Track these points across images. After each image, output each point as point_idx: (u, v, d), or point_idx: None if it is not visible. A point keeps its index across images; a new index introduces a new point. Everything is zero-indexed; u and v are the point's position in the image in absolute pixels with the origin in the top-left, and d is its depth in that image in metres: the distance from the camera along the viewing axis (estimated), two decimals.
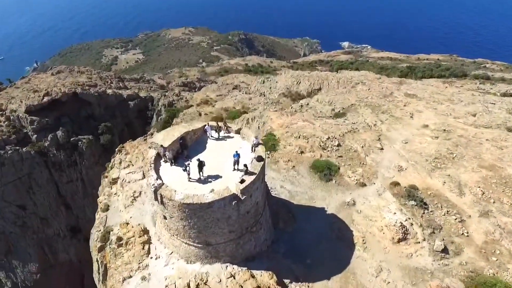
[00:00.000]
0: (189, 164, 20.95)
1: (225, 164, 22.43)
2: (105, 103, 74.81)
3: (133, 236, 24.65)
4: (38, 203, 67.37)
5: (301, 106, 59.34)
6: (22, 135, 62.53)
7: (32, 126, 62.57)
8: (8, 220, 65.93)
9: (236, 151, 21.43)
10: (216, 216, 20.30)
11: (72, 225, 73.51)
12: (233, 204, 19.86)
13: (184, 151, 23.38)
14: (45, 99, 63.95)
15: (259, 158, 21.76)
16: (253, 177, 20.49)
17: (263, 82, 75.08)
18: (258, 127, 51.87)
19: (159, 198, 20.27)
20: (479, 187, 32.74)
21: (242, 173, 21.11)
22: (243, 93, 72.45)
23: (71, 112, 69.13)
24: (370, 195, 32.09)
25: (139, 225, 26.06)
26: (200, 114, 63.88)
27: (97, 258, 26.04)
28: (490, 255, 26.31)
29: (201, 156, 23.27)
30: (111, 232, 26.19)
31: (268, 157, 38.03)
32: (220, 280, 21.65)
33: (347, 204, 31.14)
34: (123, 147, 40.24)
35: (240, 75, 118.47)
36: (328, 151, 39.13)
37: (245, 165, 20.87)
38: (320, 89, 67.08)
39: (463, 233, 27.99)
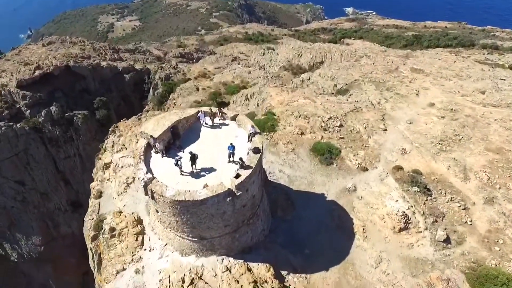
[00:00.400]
0: (180, 158, 19.64)
1: (219, 155, 21.12)
2: (99, 76, 72.27)
3: (126, 227, 23.89)
4: (36, 179, 67.03)
5: (302, 81, 57.05)
6: (15, 111, 60.82)
7: (25, 101, 60.72)
8: (8, 196, 65.98)
9: (231, 143, 20.03)
10: (210, 212, 19.32)
11: (72, 200, 73.70)
12: (227, 200, 18.79)
13: (176, 141, 21.99)
14: (37, 72, 61.55)
15: (256, 150, 20.39)
16: (249, 171, 19.24)
17: (263, 54, 71.93)
18: (257, 104, 50.06)
19: (149, 193, 19.19)
20: (485, 171, 31.60)
21: (238, 166, 19.84)
22: (242, 66, 69.65)
23: (64, 86, 66.87)
24: (371, 180, 31.03)
25: (132, 213, 25.26)
26: (197, 89, 61.75)
27: (91, 247, 25.52)
28: (493, 244, 25.67)
29: (194, 146, 21.98)
30: (104, 221, 25.46)
31: (267, 139, 36.66)
32: (216, 274, 21.11)
33: (348, 190, 30.17)
34: (116, 127, 38.80)
35: (239, 45, 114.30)
36: (329, 132, 37.65)
37: (241, 159, 19.56)
38: (322, 62, 64.26)
39: (466, 222, 27.20)
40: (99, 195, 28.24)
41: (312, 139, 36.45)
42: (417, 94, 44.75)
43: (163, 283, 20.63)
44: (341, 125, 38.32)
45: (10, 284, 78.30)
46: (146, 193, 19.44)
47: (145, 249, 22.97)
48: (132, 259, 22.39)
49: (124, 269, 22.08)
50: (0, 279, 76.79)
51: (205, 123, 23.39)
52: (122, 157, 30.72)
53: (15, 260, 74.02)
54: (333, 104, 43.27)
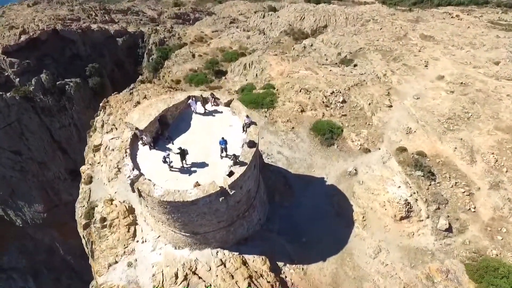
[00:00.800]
0: (168, 154, 18.13)
1: (212, 147, 19.57)
2: (90, 40, 68.42)
3: (117, 217, 23.04)
4: (33, 149, 65.98)
5: (304, 47, 53.78)
6: (3, 79, 58.25)
7: (13, 69, 57.91)
8: (6, 165, 65.51)
9: (223, 138, 18.36)
10: (202, 211, 18.26)
11: (71, 169, 73.34)
12: (220, 200, 17.61)
13: (164, 131, 20.35)
14: (22, 38, 58.06)
15: (251, 144, 18.81)
16: (243, 168, 17.84)
17: (263, 16, 67.33)
18: (256, 74, 47.50)
19: (136, 191, 17.97)
20: (492, 153, 30.24)
21: (231, 161, 18.41)
22: (240, 30, 65.48)
23: (53, 51, 63.50)
24: (374, 163, 29.73)
25: (123, 202, 24.27)
26: (193, 56, 58.56)
27: (83, 235, 24.95)
28: (495, 233, 24.97)
29: (184, 137, 20.41)
30: (95, 209, 24.59)
31: (266, 117, 34.89)
32: (210, 268, 20.57)
33: (349, 173, 28.99)
34: (107, 101, 36.77)
35: (239, 3, 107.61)
36: (331, 108, 35.73)
37: (235, 155, 18.07)
38: (326, 26, 60.22)
39: (469, 208, 26.31)
40: (90, 180, 27.17)
41: (313, 117, 34.66)
42: (426, 65, 42.06)
43: (156, 278, 20.17)
44: (344, 101, 36.29)
45: (19, 247, 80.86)
46: (133, 191, 18.23)
47: (137, 241, 22.31)
48: (124, 252, 21.81)
49: (116, 262, 21.56)
50: (10, 242, 79.07)
51: (196, 111, 21.54)
52: (112, 138, 29.19)
53: (20, 225, 75.50)
54: (336, 76, 40.82)
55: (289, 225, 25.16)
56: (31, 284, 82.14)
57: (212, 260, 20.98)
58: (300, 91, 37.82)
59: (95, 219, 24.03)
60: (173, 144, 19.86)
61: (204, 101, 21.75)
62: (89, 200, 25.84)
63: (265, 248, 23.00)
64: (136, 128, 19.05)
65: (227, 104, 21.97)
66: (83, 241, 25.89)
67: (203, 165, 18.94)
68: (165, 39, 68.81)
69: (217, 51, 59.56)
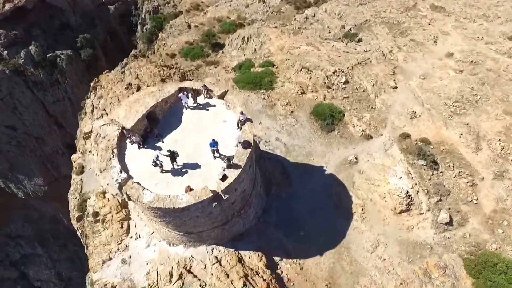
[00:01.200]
0: (158, 157, 17.02)
1: (204, 147, 18.33)
2: (80, 8, 64.78)
3: (110, 212, 22.46)
4: (27, 123, 64.81)
5: (306, 18, 50.70)
6: None
7: None
8: (1, 140, 64.80)
9: (213, 139, 17.13)
10: (195, 215, 17.53)
11: (68, 143, 72.60)
12: (213, 205, 16.79)
13: (153, 128, 19.07)
14: (7, 6, 54.67)
15: (246, 144, 17.60)
16: (237, 171, 16.83)
17: None
18: (255, 49, 45.07)
19: (125, 196, 17.12)
20: (499, 139, 29.08)
21: (224, 162, 17.37)
22: None
23: (42, 21, 60.16)
24: (375, 151, 28.65)
25: (116, 195, 23.57)
26: (189, 26, 55.47)
27: (77, 227, 24.59)
28: (496, 226, 24.48)
29: (175, 134, 19.20)
30: (87, 201, 24.02)
31: (264, 99, 33.31)
32: (205, 266, 20.28)
33: (349, 162, 28.02)
34: (98, 81, 35.00)
35: None
36: (333, 90, 34.05)
37: (229, 158, 16.97)
38: None
39: (471, 200, 25.64)
40: (81, 170, 26.34)
41: (313, 100, 33.07)
42: (435, 41, 39.58)
43: (150, 276, 19.96)
44: (346, 82, 34.50)
45: (23, 216, 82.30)
46: (122, 194, 17.39)
47: (131, 237, 21.90)
48: (118, 248, 21.46)
49: (110, 259, 21.28)
50: (14, 213, 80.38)
51: (188, 105, 20.08)
52: (103, 125, 27.89)
53: (23, 197, 76.27)
54: (339, 53, 38.58)
55: (286, 218, 24.62)
56: (39, 250, 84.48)
57: (207, 258, 20.66)
58: (301, 70, 35.88)
59: (88, 213, 23.51)
60: (163, 142, 18.72)
61: (196, 93, 20.25)
62: (81, 191, 25.20)
63: (262, 243, 22.66)
64: (123, 127, 17.80)
65: (221, 97, 20.47)
66: (78, 233, 25.57)
67: (195, 166, 17.93)
68: (159, 7, 65.01)
69: (214, 21, 56.30)
